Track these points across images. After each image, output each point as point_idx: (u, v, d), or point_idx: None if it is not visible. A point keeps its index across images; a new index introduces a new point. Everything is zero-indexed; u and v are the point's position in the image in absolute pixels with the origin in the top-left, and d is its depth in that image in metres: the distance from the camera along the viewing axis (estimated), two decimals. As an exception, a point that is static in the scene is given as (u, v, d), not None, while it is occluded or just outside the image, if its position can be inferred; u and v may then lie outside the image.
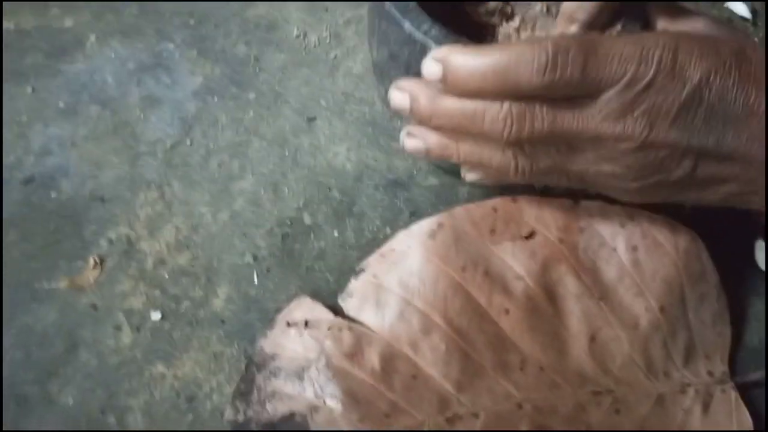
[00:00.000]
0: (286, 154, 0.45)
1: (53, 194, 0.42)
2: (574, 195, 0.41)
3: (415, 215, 0.43)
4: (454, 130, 0.35)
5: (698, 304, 0.40)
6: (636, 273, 0.39)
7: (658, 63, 0.31)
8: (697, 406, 0.38)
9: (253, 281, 0.41)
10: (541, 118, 0.32)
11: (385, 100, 0.39)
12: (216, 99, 0.46)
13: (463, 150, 0.36)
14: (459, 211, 0.40)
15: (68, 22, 0.49)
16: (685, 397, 0.39)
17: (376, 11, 0.38)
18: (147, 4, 0.50)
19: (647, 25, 0.39)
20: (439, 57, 0.33)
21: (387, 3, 0.37)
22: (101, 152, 0.44)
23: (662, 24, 0.38)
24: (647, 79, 0.31)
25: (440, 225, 0.39)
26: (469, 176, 0.39)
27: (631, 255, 0.40)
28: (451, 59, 0.33)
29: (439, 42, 0.35)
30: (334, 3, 0.51)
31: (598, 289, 0.39)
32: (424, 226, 0.40)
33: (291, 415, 0.36)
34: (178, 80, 0.47)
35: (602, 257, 0.40)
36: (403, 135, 0.38)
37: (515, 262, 0.39)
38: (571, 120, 0.32)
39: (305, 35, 0.50)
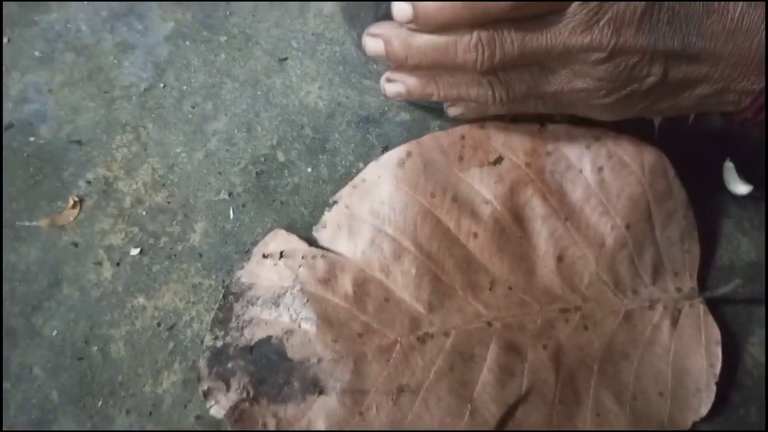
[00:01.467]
0: (259, 94, 0.46)
1: (32, 139, 0.43)
2: (542, 120, 0.41)
3: (388, 149, 0.44)
4: (431, 66, 0.36)
5: (665, 221, 0.41)
6: (602, 192, 0.40)
7: None
8: (665, 320, 0.40)
9: (229, 216, 0.42)
10: (511, 40, 0.33)
11: (358, 45, 0.39)
12: (188, 43, 0.47)
13: (441, 86, 0.37)
14: (427, 139, 0.41)
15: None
16: (653, 313, 0.40)
17: None
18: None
19: None
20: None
21: None
22: (77, 98, 0.44)
23: None
24: None
25: (408, 153, 0.40)
26: (452, 111, 0.40)
27: (596, 175, 0.40)
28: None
29: None
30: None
31: (565, 210, 0.40)
32: (393, 155, 0.40)
33: (268, 339, 0.37)
34: (150, 26, 0.47)
35: (568, 179, 0.41)
36: (382, 82, 0.39)
37: (483, 186, 0.40)
38: (539, 38, 0.33)
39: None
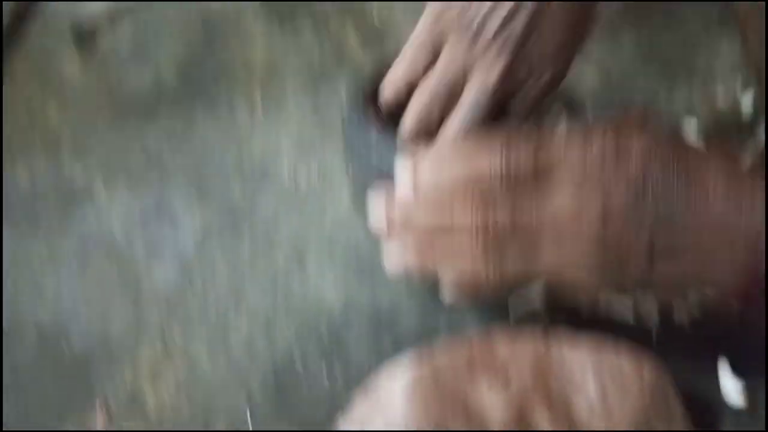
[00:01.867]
0: (278, 294, 0.48)
1: (63, 343, 0.46)
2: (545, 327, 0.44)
3: (399, 349, 0.46)
4: (428, 231, 0.39)
5: None
6: (604, 411, 0.42)
7: (601, 145, 0.35)
8: None
9: (247, 422, 0.44)
10: (502, 203, 0.36)
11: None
12: (214, 242, 0.50)
13: (438, 255, 0.39)
14: (438, 354, 0.43)
15: (78, 170, 0.54)
16: None
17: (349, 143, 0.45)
18: (151, 151, 0.55)
19: None
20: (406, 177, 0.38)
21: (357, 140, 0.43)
22: (108, 302, 0.48)
23: None
24: (594, 157, 0.35)
25: (422, 373, 0.42)
26: (448, 296, 0.42)
27: (599, 393, 0.42)
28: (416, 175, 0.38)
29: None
30: (323, 144, 0.55)
31: (568, 421, 0.42)
32: (406, 372, 0.42)
33: None
34: (180, 226, 0.51)
35: (573, 391, 0.43)
36: (384, 256, 0.42)
37: (493, 404, 0.42)
38: (529, 205, 0.36)
39: (296, 178, 0.54)
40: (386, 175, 0.41)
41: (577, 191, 0.36)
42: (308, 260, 0.50)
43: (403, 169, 0.39)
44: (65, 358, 0.45)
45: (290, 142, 0.56)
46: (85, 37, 0.60)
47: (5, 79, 0.58)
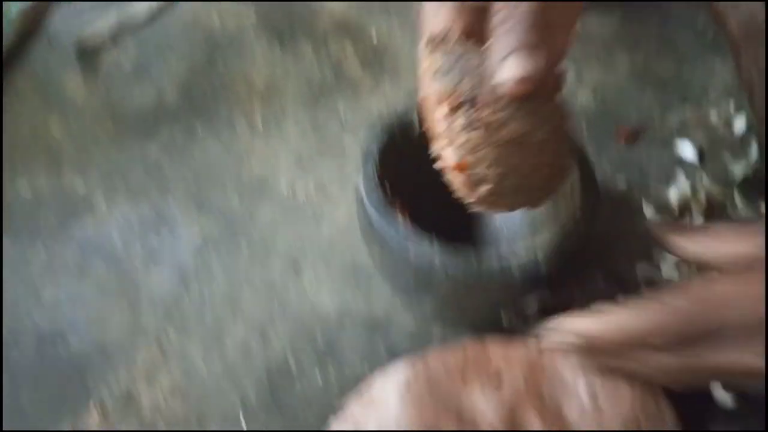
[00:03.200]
0: (274, 301, 0.49)
1: (61, 347, 0.46)
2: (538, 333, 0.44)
3: (393, 355, 0.47)
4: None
5: None
6: (595, 418, 0.42)
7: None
8: None
9: (241, 425, 0.44)
10: None
11: (395, 290, 0.44)
12: (211, 250, 0.51)
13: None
14: (432, 358, 0.43)
15: (78, 182, 0.55)
16: None
17: (373, 234, 0.41)
18: (151, 164, 0.56)
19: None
20: (569, 330, 0.38)
21: (387, 238, 0.39)
22: (106, 308, 0.48)
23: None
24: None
25: (416, 375, 0.43)
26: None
27: (591, 401, 0.43)
28: (577, 329, 0.37)
29: (444, 266, 0.38)
30: (321, 160, 0.57)
31: (559, 425, 0.42)
32: (400, 374, 0.43)
33: None
34: (179, 235, 0.52)
35: (565, 398, 0.43)
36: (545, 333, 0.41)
37: (484, 403, 0.43)
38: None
39: (293, 189, 0.55)
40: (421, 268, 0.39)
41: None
42: (304, 269, 0.51)
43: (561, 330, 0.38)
44: (62, 361, 0.46)
45: (289, 158, 0.57)
46: (88, 55, 0.62)
47: (9, 94, 0.60)
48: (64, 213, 0.53)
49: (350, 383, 0.45)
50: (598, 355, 0.38)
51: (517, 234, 0.49)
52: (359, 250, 0.52)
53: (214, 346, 0.47)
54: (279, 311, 0.49)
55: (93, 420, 0.43)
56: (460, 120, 0.34)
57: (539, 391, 0.43)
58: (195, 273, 0.50)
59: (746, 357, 0.34)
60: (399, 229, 0.39)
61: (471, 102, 0.33)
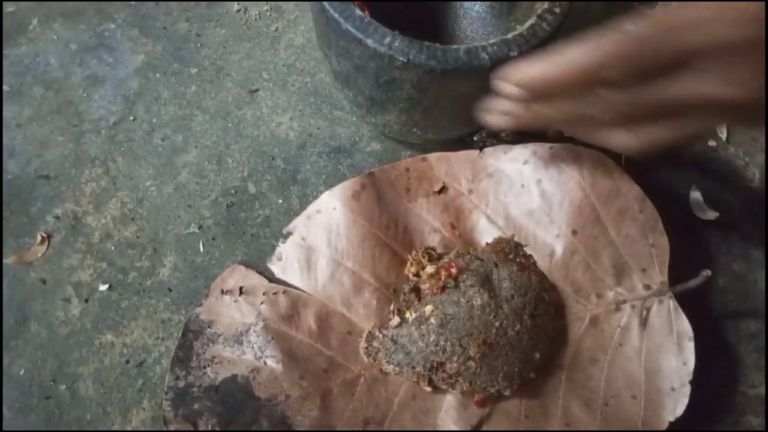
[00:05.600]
0: (229, 126, 0.46)
1: (-1, 174, 0.43)
2: (482, 146, 0.42)
3: (356, 170, 0.44)
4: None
5: (617, 220, 0.40)
6: (544, 204, 0.41)
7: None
8: (634, 321, 0.39)
9: (199, 250, 0.42)
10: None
11: (352, 101, 0.41)
12: (158, 75, 0.47)
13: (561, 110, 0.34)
14: (377, 171, 0.41)
15: (10, 7, 0.50)
16: (620, 314, 0.40)
17: (331, 29, 0.37)
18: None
19: None
20: (514, 80, 0.32)
21: (343, 23, 0.35)
22: (46, 132, 0.44)
23: None
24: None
25: (363, 186, 0.40)
26: (493, 120, 0.37)
27: (537, 188, 0.41)
28: (527, 76, 0.32)
29: (405, 52, 0.34)
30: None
31: (511, 227, 0.41)
32: (347, 187, 0.41)
33: (233, 378, 0.37)
34: (120, 59, 0.48)
35: (511, 197, 0.41)
36: (481, 112, 0.37)
37: (430, 216, 0.41)
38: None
39: (246, 9, 0.50)
40: (381, 61, 0.35)
41: None
42: (261, 93, 0.47)
43: (506, 79, 0.33)
44: (1, 190, 0.43)
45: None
46: None
47: None
48: (-5, 40, 0.48)
49: (313, 200, 0.43)
50: (549, 104, 0.33)
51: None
52: (320, 72, 0.48)
53: (166, 171, 0.44)
54: (235, 136, 0.45)
55: (39, 249, 0.41)
56: None
57: (485, 195, 0.42)
58: (140, 98, 0.46)
59: (711, 86, 0.30)
60: (357, 19, 0.35)
61: None
